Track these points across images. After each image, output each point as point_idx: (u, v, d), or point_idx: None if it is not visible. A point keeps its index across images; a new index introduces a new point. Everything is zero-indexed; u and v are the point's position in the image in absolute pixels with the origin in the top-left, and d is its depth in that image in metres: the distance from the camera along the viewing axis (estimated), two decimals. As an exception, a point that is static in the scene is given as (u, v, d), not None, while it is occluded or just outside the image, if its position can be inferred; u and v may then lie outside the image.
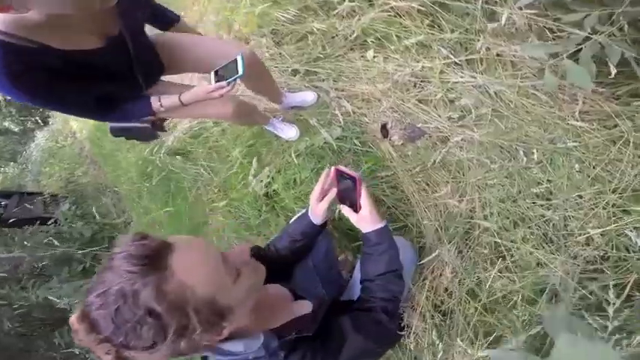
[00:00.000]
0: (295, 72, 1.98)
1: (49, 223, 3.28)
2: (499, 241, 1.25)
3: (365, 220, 0.92)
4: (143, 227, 2.90)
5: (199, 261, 0.57)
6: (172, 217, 2.54)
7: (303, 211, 1.09)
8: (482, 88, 1.37)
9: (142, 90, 1.17)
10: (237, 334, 0.64)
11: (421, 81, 1.54)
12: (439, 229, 1.39)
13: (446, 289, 1.32)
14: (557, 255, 1.15)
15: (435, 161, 1.50)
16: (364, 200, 0.91)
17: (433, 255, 1.32)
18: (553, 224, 1.21)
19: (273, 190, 1.99)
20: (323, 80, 1.87)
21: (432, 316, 1.28)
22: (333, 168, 0.94)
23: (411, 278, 1.24)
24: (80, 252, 2.96)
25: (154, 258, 0.52)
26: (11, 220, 3.29)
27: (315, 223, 1.01)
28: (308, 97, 1.90)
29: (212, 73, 1.11)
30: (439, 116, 1.49)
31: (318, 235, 1.06)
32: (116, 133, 1.33)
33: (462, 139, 1.44)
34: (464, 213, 1.38)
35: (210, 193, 2.22)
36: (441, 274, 1.35)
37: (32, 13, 0.79)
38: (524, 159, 1.30)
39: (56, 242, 2.91)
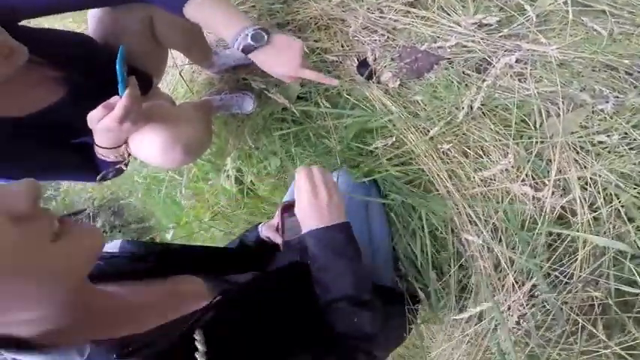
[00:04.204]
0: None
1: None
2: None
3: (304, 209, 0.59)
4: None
5: None
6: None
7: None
8: None
9: None
10: (41, 339, 0.35)
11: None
12: (500, 262, 0.71)
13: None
14: None
15: (471, 107, 0.75)
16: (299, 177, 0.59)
17: (484, 322, 0.68)
18: None
19: (251, 182, 1.45)
20: (256, 20, 1.12)
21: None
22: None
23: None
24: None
25: None
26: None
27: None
28: None
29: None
30: (457, 25, 0.70)
31: None
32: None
33: (517, 61, 0.66)
34: (548, 215, 0.66)
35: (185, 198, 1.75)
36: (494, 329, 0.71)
37: None
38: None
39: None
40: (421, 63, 0.76)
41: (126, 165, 0.90)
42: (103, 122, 0.71)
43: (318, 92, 0.99)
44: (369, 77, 0.87)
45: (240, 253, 0.80)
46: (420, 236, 0.86)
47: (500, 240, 0.73)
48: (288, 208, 0.70)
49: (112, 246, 0.58)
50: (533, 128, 0.70)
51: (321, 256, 0.58)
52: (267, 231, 0.80)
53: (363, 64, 0.87)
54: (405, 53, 0.77)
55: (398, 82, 0.82)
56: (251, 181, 1.45)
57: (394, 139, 0.89)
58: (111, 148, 0.81)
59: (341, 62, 0.93)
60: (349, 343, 0.56)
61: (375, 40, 0.81)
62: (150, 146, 0.80)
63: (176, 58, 1.42)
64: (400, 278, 0.92)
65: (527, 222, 0.69)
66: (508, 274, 0.72)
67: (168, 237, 1.63)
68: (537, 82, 0.70)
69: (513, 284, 0.71)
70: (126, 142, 0.82)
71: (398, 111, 0.87)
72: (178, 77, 1.62)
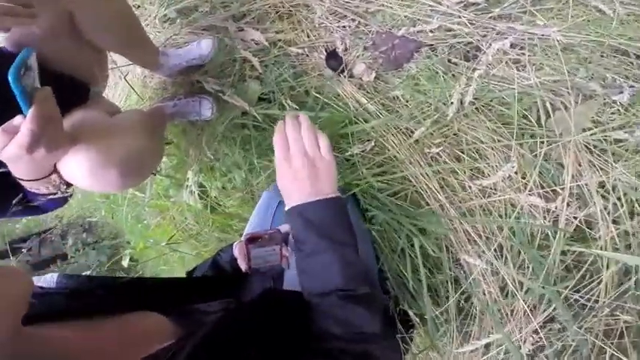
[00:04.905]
0: (167, 20, 1.11)
1: (70, 257, 3.22)
2: None
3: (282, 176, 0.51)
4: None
5: None
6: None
7: None
8: None
9: None
10: None
11: None
12: (508, 285, 0.59)
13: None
14: None
15: (462, 102, 0.63)
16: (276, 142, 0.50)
17: (492, 352, 0.56)
18: None
19: (215, 198, 1.30)
20: (209, 14, 0.97)
21: None
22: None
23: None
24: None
25: None
26: (40, 262, 3.30)
27: None
28: (203, 47, 1.06)
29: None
30: (439, 4, 0.59)
31: None
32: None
33: (511, 46, 0.55)
34: (564, 231, 0.54)
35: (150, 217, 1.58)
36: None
37: None
38: None
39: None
40: (399, 51, 0.63)
41: (65, 197, 0.74)
42: (6, 151, 0.56)
43: (282, 92, 0.84)
44: (340, 71, 0.73)
45: (208, 279, 0.70)
46: (409, 255, 0.74)
47: (506, 260, 0.61)
48: (253, 240, 0.62)
49: (48, 280, 0.48)
50: (536, 125, 0.58)
51: (304, 240, 0.50)
52: (237, 253, 0.68)
53: (332, 56, 0.73)
54: (380, 40, 0.63)
55: (373, 75, 0.69)
56: (215, 196, 1.30)
57: (373, 143, 0.76)
58: (38, 179, 0.65)
59: (307, 55, 0.79)
60: (334, 344, 0.47)
61: (345, 26, 0.67)
62: (77, 169, 0.64)
63: (127, 61, 1.24)
64: (390, 300, 0.80)
65: (538, 239, 0.58)
66: (518, 299, 0.60)
67: (125, 264, 1.45)
68: (538, 70, 0.58)
69: (525, 310, 0.60)
70: (55, 171, 0.66)
71: (375, 109, 0.74)
72: (132, 83, 1.44)
